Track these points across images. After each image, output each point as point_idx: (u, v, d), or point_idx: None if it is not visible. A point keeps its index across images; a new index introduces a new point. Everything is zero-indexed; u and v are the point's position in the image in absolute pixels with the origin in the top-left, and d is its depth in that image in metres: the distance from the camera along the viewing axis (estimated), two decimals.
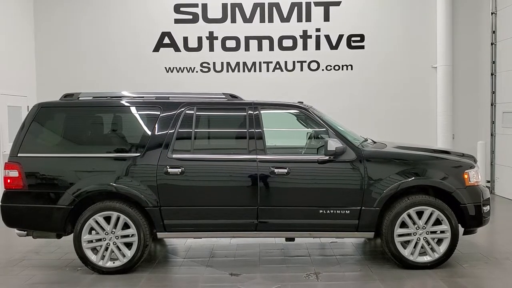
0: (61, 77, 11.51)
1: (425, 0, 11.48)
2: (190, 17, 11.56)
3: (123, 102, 6.14)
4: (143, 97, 6.27)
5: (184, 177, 5.70)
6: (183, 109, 5.93)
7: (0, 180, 9.84)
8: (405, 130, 11.35)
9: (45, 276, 5.80)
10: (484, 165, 10.92)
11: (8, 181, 5.77)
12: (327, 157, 5.72)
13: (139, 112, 6.05)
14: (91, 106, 6.11)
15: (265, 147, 5.80)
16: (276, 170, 5.69)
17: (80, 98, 6.12)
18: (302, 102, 6.36)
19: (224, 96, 6.18)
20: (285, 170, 5.70)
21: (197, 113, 5.95)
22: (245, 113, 5.93)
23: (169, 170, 5.69)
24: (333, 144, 5.60)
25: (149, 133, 5.86)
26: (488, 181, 11.13)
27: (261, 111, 5.95)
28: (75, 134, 6.06)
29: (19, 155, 5.78)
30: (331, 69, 11.57)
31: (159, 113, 5.92)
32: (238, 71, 11.60)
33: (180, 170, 5.69)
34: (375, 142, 6.54)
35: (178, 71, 11.59)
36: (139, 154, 5.78)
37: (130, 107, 6.07)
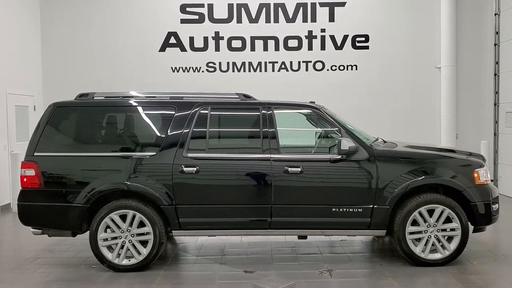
0: (67, 77, 11.57)
1: (429, 1, 11.58)
2: (196, 17, 11.63)
3: (139, 102, 6.20)
4: (155, 97, 6.33)
5: (199, 176, 5.78)
6: (197, 108, 6.00)
7: (7, 179, 9.97)
8: (409, 129, 11.45)
9: (62, 274, 5.87)
10: (488, 164, 11.00)
11: (25, 180, 5.83)
12: (339, 156, 5.81)
13: (154, 112, 6.13)
14: (106, 106, 6.17)
15: (278, 147, 5.89)
16: (289, 169, 5.78)
17: (95, 98, 6.19)
18: (314, 102, 6.45)
19: (237, 96, 6.26)
20: (299, 169, 5.78)
21: (211, 112, 6.02)
22: (259, 113, 6.01)
23: (185, 169, 5.77)
24: (347, 143, 5.69)
25: (164, 132, 5.93)
26: (492, 180, 11.25)
27: (275, 111, 6.03)
28: (90, 133, 6.13)
29: (35, 154, 5.84)
30: (336, 69, 11.67)
31: (174, 112, 5.99)
32: (244, 71, 11.68)
33: (195, 169, 5.77)
34: (385, 142, 6.63)
35: (184, 71, 11.66)
36: (154, 153, 5.85)
37: (146, 107, 6.13)
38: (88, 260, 6.24)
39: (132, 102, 6.22)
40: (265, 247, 6.89)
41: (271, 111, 6.01)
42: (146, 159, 5.83)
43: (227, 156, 5.92)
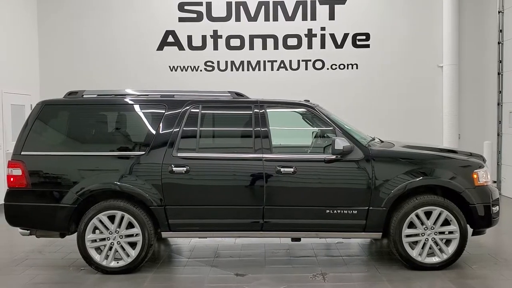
0: (65, 76, 11.47)
1: None
2: (195, 15, 11.50)
3: (128, 100, 6.06)
4: (147, 95, 6.20)
5: (189, 176, 5.63)
6: (188, 107, 5.85)
7: (4, 179, 9.85)
8: (411, 129, 11.27)
9: (49, 276, 5.74)
10: (491, 165, 10.76)
11: (12, 179, 5.70)
12: (334, 156, 5.64)
13: (144, 110, 5.98)
14: (95, 104, 6.04)
15: (271, 146, 5.72)
16: (282, 170, 5.61)
17: (84, 96, 6.06)
18: (309, 101, 6.29)
19: (229, 94, 6.10)
20: (292, 170, 5.62)
21: (202, 111, 5.87)
22: (251, 112, 5.85)
23: (174, 169, 5.62)
24: (341, 143, 5.52)
25: (154, 131, 5.79)
26: (495, 182, 11.02)
27: (267, 110, 5.87)
28: (79, 132, 5.99)
29: (22, 153, 5.71)
30: (336, 68, 11.50)
31: (164, 111, 5.84)
32: (243, 70, 11.54)
33: (185, 169, 5.61)
34: (382, 141, 6.46)
35: (182, 70, 11.54)
36: (143, 152, 5.71)
37: (135, 105, 6.00)
38: (77, 262, 6.10)
39: (122, 100, 6.08)
40: (259, 249, 6.73)
41: (263, 110, 5.84)
42: (135, 158, 5.68)
43: (217, 156, 5.76)
